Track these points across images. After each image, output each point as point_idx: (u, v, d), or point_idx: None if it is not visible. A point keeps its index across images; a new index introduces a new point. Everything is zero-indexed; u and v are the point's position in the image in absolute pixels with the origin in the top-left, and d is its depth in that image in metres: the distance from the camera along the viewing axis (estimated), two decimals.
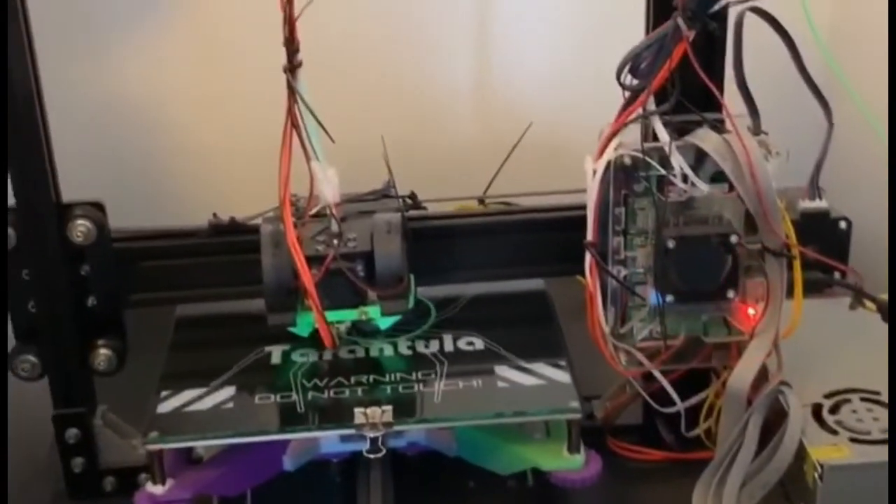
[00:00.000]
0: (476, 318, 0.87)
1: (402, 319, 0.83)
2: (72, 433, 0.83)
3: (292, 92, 0.75)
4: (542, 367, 0.81)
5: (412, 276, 0.81)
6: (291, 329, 0.81)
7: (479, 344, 0.84)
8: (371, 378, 0.80)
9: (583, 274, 0.91)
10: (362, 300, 0.80)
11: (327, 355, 0.82)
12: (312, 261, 0.77)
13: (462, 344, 0.84)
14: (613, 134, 0.76)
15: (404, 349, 0.83)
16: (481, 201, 0.99)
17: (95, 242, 0.81)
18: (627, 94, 0.76)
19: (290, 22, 0.73)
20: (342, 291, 0.79)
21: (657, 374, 0.80)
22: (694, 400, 0.82)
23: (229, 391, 0.79)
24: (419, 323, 0.86)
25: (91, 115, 1.08)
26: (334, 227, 0.80)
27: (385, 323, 0.82)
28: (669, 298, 0.77)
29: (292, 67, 0.75)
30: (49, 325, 0.82)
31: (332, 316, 0.80)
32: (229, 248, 0.85)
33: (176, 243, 0.85)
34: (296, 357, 0.83)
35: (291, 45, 0.74)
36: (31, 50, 0.77)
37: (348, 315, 0.81)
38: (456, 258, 0.87)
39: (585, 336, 0.82)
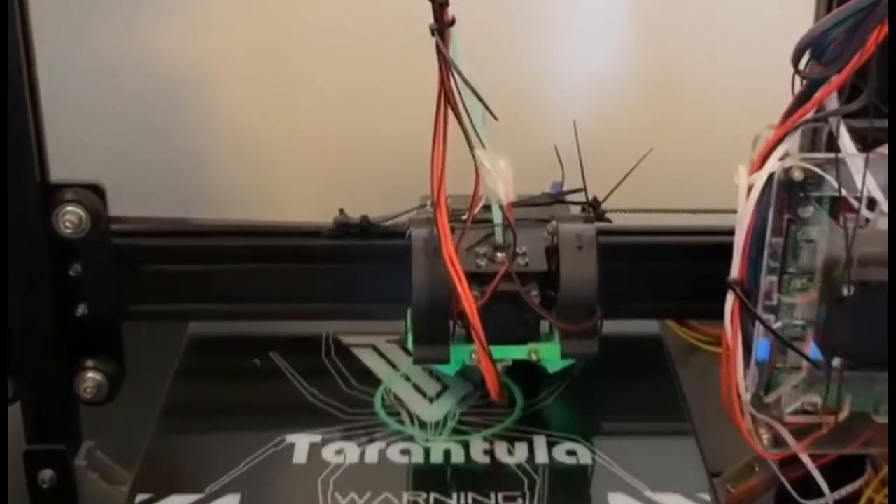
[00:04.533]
0: (577, 402, 0.68)
1: (474, 404, 0.67)
2: (46, 475, 0.69)
3: (444, 60, 0.57)
4: (674, 499, 0.61)
5: None
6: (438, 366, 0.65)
7: (583, 455, 0.63)
8: (431, 497, 0.60)
9: (701, 317, 0.79)
10: (533, 334, 0.64)
11: (371, 454, 0.63)
12: (471, 280, 0.61)
13: (560, 453, 0.64)
14: (780, 138, 0.57)
15: (479, 454, 0.63)
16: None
17: (89, 236, 0.66)
18: (800, 87, 0.57)
19: None
20: (509, 321, 0.63)
21: (806, 459, 0.62)
22: (847, 490, 0.66)
23: (231, 502, 0.60)
24: (500, 414, 0.66)
25: (117, 85, 0.93)
26: (500, 236, 0.64)
27: (555, 367, 0.65)
28: (836, 362, 0.60)
29: (441, 27, 0.57)
30: (25, 339, 0.67)
31: (494, 353, 0.63)
32: (261, 254, 0.69)
33: (193, 243, 0.70)
34: (328, 454, 0.63)
35: None
36: None
37: (515, 352, 0.64)
38: None
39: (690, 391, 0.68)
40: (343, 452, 0.63)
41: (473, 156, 0.60)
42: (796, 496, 0.63)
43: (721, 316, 0.71)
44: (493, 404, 0.66)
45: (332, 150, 0.94)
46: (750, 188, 0.58)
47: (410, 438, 0.64)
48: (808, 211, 0.58)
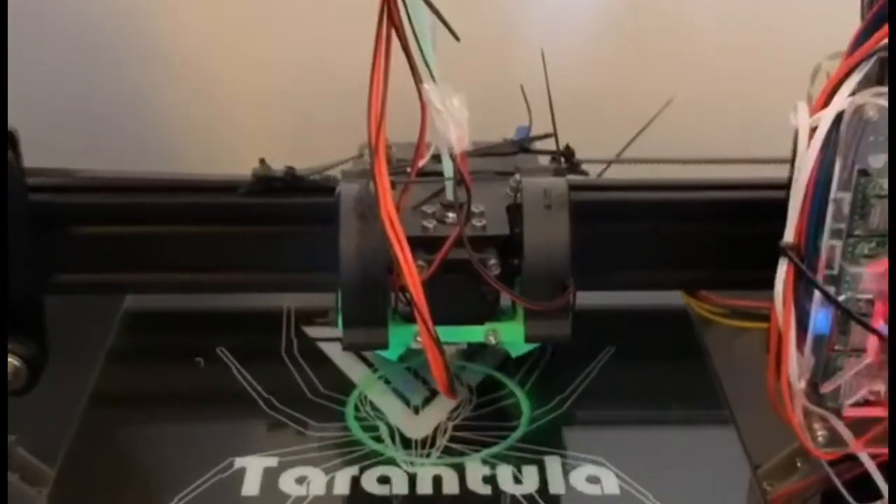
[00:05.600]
0: (597, 407, 0.57)
1: (470, 415, 0.56)
2: None
3: None
4: None
5: None
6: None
7: (608, 481, 0.52)
8: None
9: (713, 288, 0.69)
10: (491, 312, 0.55)
11: (341, 483, 0.51)
12: (416, 246, 0.51)
13: (579, 479, 0.52)
14: (850, 70, 0.48)
15: (477, 482, 0.52)
16: None
17: None
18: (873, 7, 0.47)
19: None
20: (462, 296, 0.53)
21: (865, 458, 0.53)
22: None
23: None
24: (503, 428, 0.55)
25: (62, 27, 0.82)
26: (451, 192, 0.54)
27: (519, 350, 0.55)
28: None
29: None
30: None
31: (442, 334, 0.52)
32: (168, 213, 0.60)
33: (131, 200, 0.61)
34: (286, 483, 0.51)
35: None
36: None
37: (469, 334, 0.55)
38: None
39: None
40: (306, 481, 0.51)
41: (419, 91, 0.49)
42: (850, 499, 0.53)
43: (747, 286, 0.65)
44: (494, 415, 0.56)
45: (291, 92, 0.83)
46: (813, 131, 0.48)
47: (391, 461, 0.52)
48: (880, 159, 0.48)
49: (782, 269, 0.50)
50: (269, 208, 0.59)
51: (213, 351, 0.59)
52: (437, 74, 0.50)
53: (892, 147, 0.48)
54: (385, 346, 0.53)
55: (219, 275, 0.60)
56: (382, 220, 0.49)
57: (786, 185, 0.51)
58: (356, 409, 0.56)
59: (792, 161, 0.51)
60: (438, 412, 0.56)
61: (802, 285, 0.50)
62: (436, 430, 0.55)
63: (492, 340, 0.54)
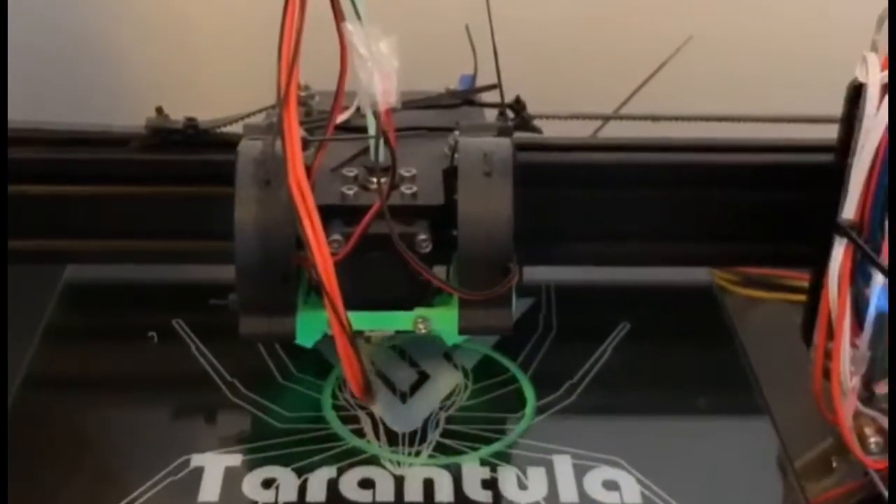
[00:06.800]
0: (613, 397, 0.49)
1: (466, 403, 0.48)
2: None
3: None
4: None
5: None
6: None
7: (629, 487, 0.44)
8: None
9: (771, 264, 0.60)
10: (420, 295, 0.46)
11: (315, 488, 0.44)
12: (333, 216, 0.44)
13: (594, 484, 0.45)
14: None
15: (475, 486, 0.44)
16: None
17: None
18: None
19: None
20: (389, 278, 0.45)
21: None
22: None
23: None
24: (505, 420, 0.48)
25: None
26: (375, 153, 0.45)
27: (454, 339, 0.47)
28: None
29: None
30: None
31: (363, 321, 0.45)
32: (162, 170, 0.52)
33: (70, 156, 0.53)
34: (251, 487, 0.44)
35: None
36: None
37: (395, 321, 0.47)
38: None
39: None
40: (274, 484, 0.44)
41: (339, 31, 0.42)
42: None
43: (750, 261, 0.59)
44: (494, 404, 0.48)
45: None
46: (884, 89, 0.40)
47: (374, 460, 0.45)
48: None
49: (839, 251, 0.43)
50: (163, 165, 0.52)
51: (167, 324, 0.51)
52: (363, 12, 0.42)
53: (892, 141, 0.41)
54: (291, 336, 0.45)
55: (168, 242, 0.53)
56: (290, 184, 0.41)
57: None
58: (334, 396, 0.49)
59: (844, 121, 0.44)
60: (429, 400, 0.49)
61: (858, 267, 0.44)
62: (426, 422, 0.47)
63: (421, 329, 0.46)
